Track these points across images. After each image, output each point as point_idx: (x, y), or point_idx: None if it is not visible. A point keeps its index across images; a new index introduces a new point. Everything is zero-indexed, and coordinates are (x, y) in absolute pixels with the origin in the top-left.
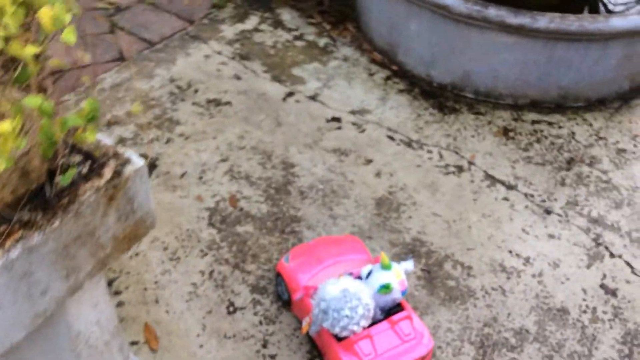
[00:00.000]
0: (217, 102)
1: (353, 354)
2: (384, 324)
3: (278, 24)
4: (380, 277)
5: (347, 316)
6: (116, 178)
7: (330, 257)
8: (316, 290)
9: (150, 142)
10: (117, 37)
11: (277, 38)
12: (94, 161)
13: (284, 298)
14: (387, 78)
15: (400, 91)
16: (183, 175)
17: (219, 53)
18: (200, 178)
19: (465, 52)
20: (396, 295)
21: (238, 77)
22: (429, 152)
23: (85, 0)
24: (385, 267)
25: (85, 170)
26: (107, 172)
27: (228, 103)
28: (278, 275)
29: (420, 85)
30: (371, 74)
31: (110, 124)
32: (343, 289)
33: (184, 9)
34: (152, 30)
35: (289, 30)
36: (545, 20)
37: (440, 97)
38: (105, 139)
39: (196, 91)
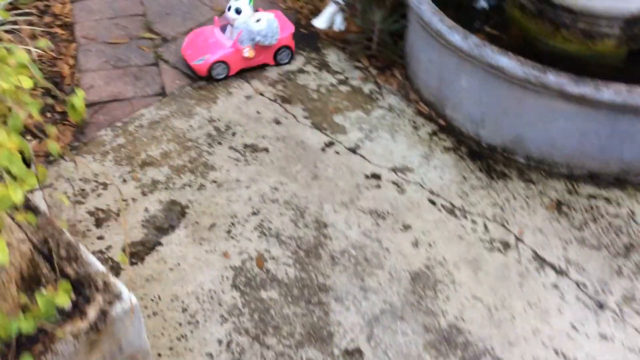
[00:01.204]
0: (254, 148)
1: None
2: None
3: (323, 65)
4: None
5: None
6: (101, 321)
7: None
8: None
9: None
10: (160, 70)
11: (321, 81)
12: (79, 292)
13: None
14: (433, 133)
15: (446, 149)
16: (212, 227)
17: (261, 94)
18: (229, 232)
19: (519, 115)
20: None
21: (278, 122)
22: (473, 222)
23: (133, 27)
24: None
25: (67, 304)
26: (92, 312)
27: (265, 149)
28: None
29: (468, 144)
30: (416, 127)
31: (144, 165)
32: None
33: None
34: None
35: (334, 73)
36: (610, 93)
37: (489, 159)
38: (96, 264)
39: (234, 134)
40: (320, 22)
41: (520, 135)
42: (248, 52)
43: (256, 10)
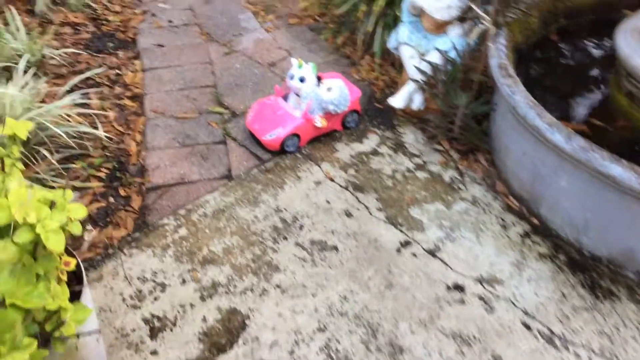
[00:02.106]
0: (322, 246)
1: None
2: None
3: (399, 146)
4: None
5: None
6: None
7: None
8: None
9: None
10: (228, 149)
11: (396, 165)
12: None
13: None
14: (525, 235)
15: (541, 256)
16: (273, 345)
17: (332, 179)
18: (292, 352)
19: (630, 226)
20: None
21: (349, 214)
22: (577, 355)
23: (203, 99)
24: (299, 67)
25: None
26: None
27: (334, 248)
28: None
29: (567, 251)
30: (505, 227)
31: (205, 263)
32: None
33: None
34: (263, 147)
35: (411, 155)
36: None
37: (593, 271)
38: None
39: (301, 227)
40: (397, 101)
41: (631, 248)
42: (320, 122)
43: (319, 78)
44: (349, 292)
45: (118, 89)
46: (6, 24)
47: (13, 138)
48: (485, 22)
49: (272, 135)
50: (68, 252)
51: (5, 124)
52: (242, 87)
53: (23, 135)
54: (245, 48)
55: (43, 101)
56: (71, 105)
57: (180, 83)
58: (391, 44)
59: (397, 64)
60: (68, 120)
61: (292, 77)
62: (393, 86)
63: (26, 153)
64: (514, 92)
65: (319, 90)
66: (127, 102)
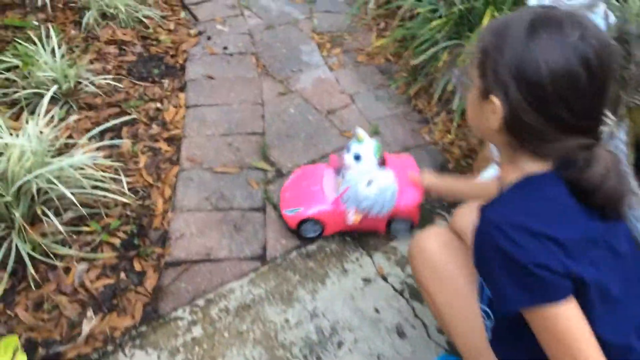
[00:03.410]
0: None
1: None
2: None
3: None
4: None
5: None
6: None
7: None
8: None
9: None
10: (265, 220)
11: None
12: None
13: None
14: None
15: None
16: None
17: (385, 278)
18: None
19: None
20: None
21: (401, 332)
22: None
23: (247, 150)
24: (359, 141)
25: None
26: None
27: None
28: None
29: None
30: None
31: None
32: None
33: None
34: None
35: None
36: None
37: None
38: None
39: (340, 345)
40: None
41: None
42: (353, 216)
43: (382, 161)
44: None
45: (155, 128)
46: (41, 42)
47: None
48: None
49: (292, 212)
50: None
51: None
52: (293, 139)
53: None
54: (303, 88)
55: (63, 148)
56: (94, 149)
57: (224, 127)
58: None
59: None
60: (91, 167)
61: (348, 150)
62: (471, 157)
63: (34, 210)
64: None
65: (360, 180)
66: (163, 145)
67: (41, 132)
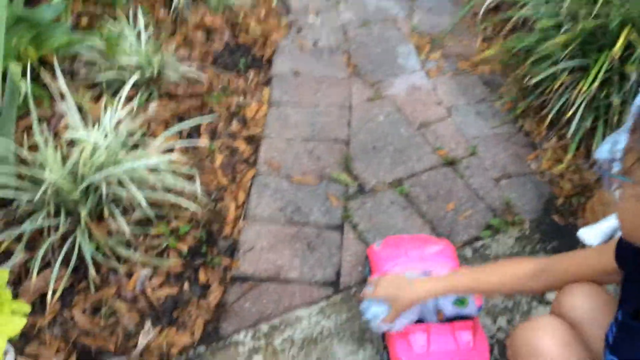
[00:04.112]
0: None
1: (407, 344)
2: (446, 326)
3: None
4: None
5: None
6: None
7: (418, 253)
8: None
9: None
10: (343, 241)
11: None
12: None
13: None
14: None
15: None
16: None
17: None
18: None
19: None
20: (471, 310)
21: None
22: None
23: (328, 159)
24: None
25: None
26: None
27: None
28: (366, 258)
29: None
30: None
31: None
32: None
33: (448, 219)
34: None
35: None
36: None
37: None
38: None
39: None
40: (590, 236)
41: None
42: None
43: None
44: None
45: (235, 125)
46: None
47: None
48: None
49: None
50: None
51: None
52: (380, 152)
53: None
54: (395, 94)
55: (139, 140)
56: (170, 145)
57: (307, 130)
58: (602, 154)
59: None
60: (164, 168)
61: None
62: (584, 194)
63: (102, 208)
64: None
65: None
66: (241, 144)
67: (118, 123)
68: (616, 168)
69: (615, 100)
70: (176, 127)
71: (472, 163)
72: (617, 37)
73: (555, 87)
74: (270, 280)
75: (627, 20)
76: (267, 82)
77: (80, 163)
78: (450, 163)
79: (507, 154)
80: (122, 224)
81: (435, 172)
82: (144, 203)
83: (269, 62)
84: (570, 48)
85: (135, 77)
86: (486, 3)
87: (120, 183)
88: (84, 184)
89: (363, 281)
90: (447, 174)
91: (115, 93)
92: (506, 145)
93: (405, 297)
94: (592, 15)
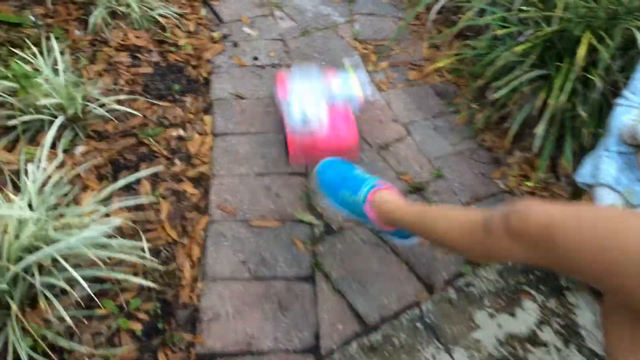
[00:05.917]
0: None
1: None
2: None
3: (572, 333)
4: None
5: None
6: None
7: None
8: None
9: None
10: (316, 294)
11: None
12: None
13: None
14: None
15: None
16: None
17: None
18: None
19: None
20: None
21: None
22: None
23: (288, 196)
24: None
25: None
26: None
27: None
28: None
29: None
30: None
31: None
32: None
33: (425, 256)
34: (367, 296)
35: (592, 356)
36: None
37: None
38: None
39: None
40: None
41: None
42: None
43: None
44: None
45: (178, 164)
46: (43, 54)
47: None
48: None
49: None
50: None
51: None
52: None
53: None
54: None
55: (71, 202)
56: (108, 204)
57: (259, 163)
58: (582, 177)
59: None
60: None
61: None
62: None
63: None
64: None
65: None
66: (188, 187)
67: (43, 185)
68: (601, 192)
69: (582, 113)
70: (109, 188)
71: (440, 187)
72: (577, 44)
73: (515, 98)
74: (241, 355)
75: (589, 25)
76: (208, 108)
77: (4, 248)
78: (418, 189)
79: (473, 173)
80: (61, 311)
81: None
82: (84, 284)
83: (207, 83)
84: (531, 58)
85: (59, 121)
86: (437, 7)
87: (55, 262)
88: (13, 271)
89: (346, 342)
90: (415, 202)
91: (32, 138)
92: (470, 164)
93: None
94: (552, 21)
